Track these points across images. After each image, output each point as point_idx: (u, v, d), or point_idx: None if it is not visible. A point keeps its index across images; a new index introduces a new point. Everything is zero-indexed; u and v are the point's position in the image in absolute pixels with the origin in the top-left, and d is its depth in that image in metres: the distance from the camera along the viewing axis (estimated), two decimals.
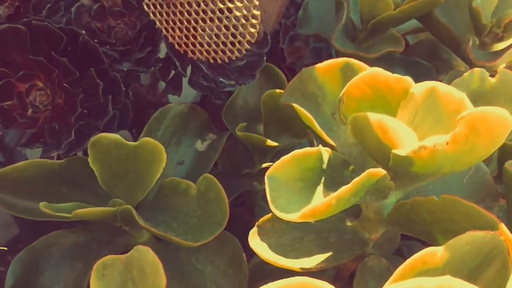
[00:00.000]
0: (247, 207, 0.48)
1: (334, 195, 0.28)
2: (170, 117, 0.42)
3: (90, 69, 0.35)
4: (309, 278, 0.23)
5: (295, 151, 0.31)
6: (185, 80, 0.58)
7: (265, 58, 0.42)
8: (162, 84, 0.56)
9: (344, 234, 0.37)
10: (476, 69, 0.39)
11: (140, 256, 0.29)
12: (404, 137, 0.31)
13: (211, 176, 0.36)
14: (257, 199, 0.48)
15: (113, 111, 0.36)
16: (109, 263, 0.29)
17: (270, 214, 0.37)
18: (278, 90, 0.43)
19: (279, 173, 0.31)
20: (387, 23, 0.51)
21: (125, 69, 0.37)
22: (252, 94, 0.46)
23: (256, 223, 0.36)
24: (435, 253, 0.27)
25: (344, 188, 0.28)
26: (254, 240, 0.35)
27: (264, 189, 0.51)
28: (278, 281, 0.23)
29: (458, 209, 0.31)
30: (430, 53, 0.59)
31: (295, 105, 0.38)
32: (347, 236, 0.37)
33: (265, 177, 0.30)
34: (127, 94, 0.38)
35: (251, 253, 0.42)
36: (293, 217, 0.29)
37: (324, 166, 0.34)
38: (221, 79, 0.39)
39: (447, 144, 0.30)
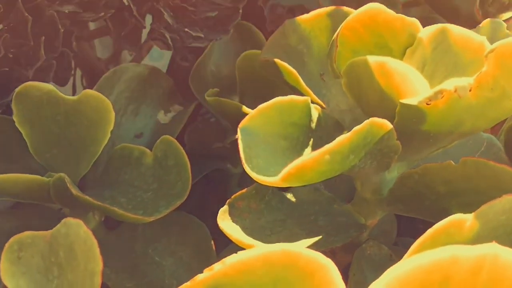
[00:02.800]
0: (220, 195, 0.41)
1: (328, 146, 0.21)
2: (126, 79, 0.34)
3: (18, 1, 0.28)
4: (293, 245, 0.16)
5: (276, 98, 0.24)
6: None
7: (240, 11, 0.35)
8: (127, 58, 0.48)
9: (336, 217, 0.30)
10: (487, 20, 0.33)
11: (68, 232, 0.22)
12: (414, 83, 0.25)
13: (170, 138, 0.29)
14: (231, 185, 0.40)
15: (49, 61, 0.29)
16: (27, 241, 0.22)
17: (245, 189, 0.30)
18: (255, 51, 0.36)
19: (256, 125, 0.24)
20: None
21: (67, 11, 0.30)
22: (226, 59, 0.39)
23: (228, 201, 0.29)
24: (463, 223, 0.20)
25: (342, 138, 0.21)
26: (225, 222, 0.28)
27: (240, 173, 0.44)
28: (257, 248, 0.16)
29: (485, 175, 0.25)
30: None
31: (277, 60, 0.31)
32: (340, 218, 0.30)
33: (238, 130, 0.23)
34: (70, 44, 0.31)
35: (221, 245, 0.35)
36: (275, 179, 0.22)
37: (313, 125, 0.27)
38: (187, 30, 0.32)
39: (470, 90, 0.24)
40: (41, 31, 0.28)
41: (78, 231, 0.22)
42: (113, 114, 0.28)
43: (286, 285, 0.17)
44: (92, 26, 0.45)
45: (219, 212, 0.28)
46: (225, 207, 0.28)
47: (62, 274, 0.22)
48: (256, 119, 0.24)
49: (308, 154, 0.21)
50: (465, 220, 0.20)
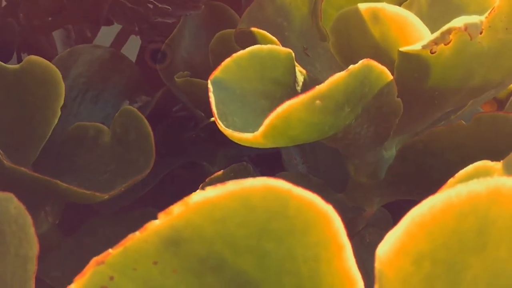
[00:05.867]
0: None
1: (319, 88, 0.17)
2: (84, 62, 0.30)
3: None
4: (278, 180, 0.12)
5: (254, 46, 0.21)
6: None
7: None
8: None
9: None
10: None
11: None
12: (417, 29, 0.21)
13: (130, 108, 0.24)
14: None
15: None
16: None
17: (221, 171, 0.26)
18: (231, 30, 0.32)
19: (231, 78, 0.20)
20: None
21: None
22: (198, 45, 0.35)
23: (201, 185, 0.24)
24: (492, 171, 0.16)
25: (335, 78, 0.17)
26: None
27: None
28: (238, 181, 0.11)
29: (505, 132, 0.21)
30: None
31: (254, 29, 0.28)
32: (334, 204, 0.26)
33: (209, 82, 0.19)
34: (16, 16, 0.27)
35: None
36: (254, 135, 0.18)
37: (299, 88, 0.23)
38: (152, 0, 0.28)
39: (481, 33, 0.20)
40: None
41: (7, 207, 0.17)
42: (62, 86, 0.23)
43: (273, 240, 0.12)
44: None
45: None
46: (198, 191, 0.24)
47: None
48: (232, 70, 0.20)
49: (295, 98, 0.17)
50: (494, 168, 0.16)
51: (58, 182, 0.21)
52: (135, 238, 0.11)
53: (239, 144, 0.35)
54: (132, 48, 0.42)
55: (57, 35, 0.42)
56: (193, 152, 0.34)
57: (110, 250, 0.11)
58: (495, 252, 0.12)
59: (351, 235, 0.27)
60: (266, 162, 0.35)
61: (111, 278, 0.11)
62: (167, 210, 0.11)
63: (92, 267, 0.11)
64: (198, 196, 0.11)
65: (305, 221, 0.12)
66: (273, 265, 0.12)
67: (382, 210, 0.30)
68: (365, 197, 0.28)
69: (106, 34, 0.41)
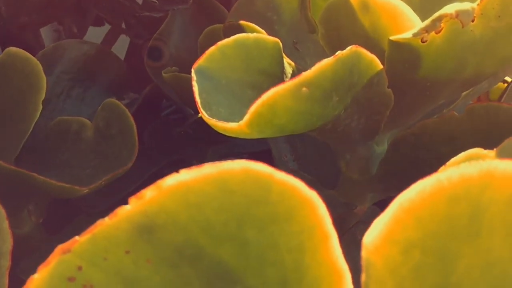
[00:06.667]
0: None
1: (306, 74, 0.16)
2: (70, 58, 0.30)
3: None
4: (258, 163, 0.11)
5: (239, 34, 0.20)
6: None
7: None
8: None
9: None
10: None
11: None
12: (408, 19, 0.21)
13: (113, 101, 0.24)
14: None
15: None
16: None
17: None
18: (220, 25, 0.32)
19: (215, 67, 0.19)
20: None
21: None
22: (187, 40, 0.34)
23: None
24: (483, 158, 0.15)
25: (322, 64, 0.17)
26: None
27: None
28: (215, 163, 0.11)
29: (498, 122, 0.20)
30: None
31: (243, 22, 0.27)
32: (325, 200, 0.25)
33: (192, 71, 0.19)
34: None
35: None
36: (239, 124, 0.17)
37: (287, 80, 0.22)
38: None
39: (473, 21, 0.20)
40: None
41: None
42: (44, 79, 0.23)
43: (254, 228, 0.12)
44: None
45: None
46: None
47: None
48: (216, 60, 0.19)
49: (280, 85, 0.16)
50: (486, 156, 0.15)
51: (35, 175, 0.21)
52: (104, 224, 0.10)
53: (229, 142, 0.34)
54: (121, 48, 0.42)
55: (48, 35, 0.41)
56: (182, 150, 0.33)
57: (76, 237, 0.10)
58: (489, 240, 0.11)
59: (342, 232, 0.27)
60: (257, 160, 0.35)
61: (79, 268, 0.11)
62: (138, 194, 0.10)
63: (57, 255, 0.10)
64: (171, 180, 0.11)
65: (288, 207, 0.12)
66: (254, 254, 0.12)
67: (374, 208, 0.29)
68: (357, 193, 0.27)
69: (96, 35, 0.41)
